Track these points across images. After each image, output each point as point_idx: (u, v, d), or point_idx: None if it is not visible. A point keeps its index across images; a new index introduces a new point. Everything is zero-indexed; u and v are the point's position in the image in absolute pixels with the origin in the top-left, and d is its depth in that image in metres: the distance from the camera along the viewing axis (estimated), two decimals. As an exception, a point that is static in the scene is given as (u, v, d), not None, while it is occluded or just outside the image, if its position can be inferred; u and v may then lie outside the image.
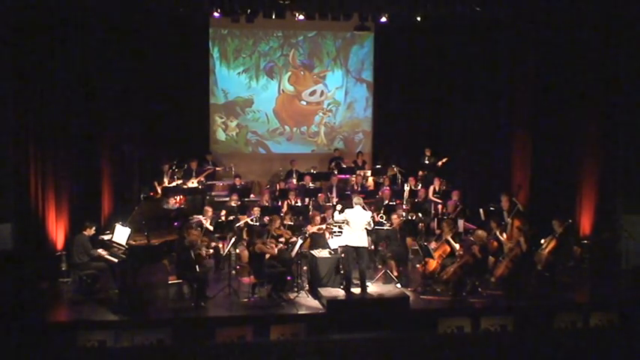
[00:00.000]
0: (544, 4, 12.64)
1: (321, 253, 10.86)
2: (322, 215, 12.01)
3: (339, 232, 11.09)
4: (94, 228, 10.75)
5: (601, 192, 12.69)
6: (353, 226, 10.29)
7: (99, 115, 13.05)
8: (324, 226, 11.43)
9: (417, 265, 11.58)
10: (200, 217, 12.07)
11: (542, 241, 11.22)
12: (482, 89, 15.04)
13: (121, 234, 10.40)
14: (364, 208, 10.76)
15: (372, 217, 11.12)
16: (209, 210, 12.21)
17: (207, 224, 11.84)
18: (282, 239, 11.02)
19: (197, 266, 10.15)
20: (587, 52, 12.78)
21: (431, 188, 14.00)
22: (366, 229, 10.38)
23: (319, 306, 10.05)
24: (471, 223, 12.45)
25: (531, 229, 11.15)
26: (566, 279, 11.37)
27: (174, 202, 13.33)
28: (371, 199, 13.10)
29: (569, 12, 12.58)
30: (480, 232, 11.00)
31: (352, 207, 10.54)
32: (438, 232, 11.96)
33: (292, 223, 11.97)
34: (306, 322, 8.87)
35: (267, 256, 10.32)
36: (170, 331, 8.00)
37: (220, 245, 11.56)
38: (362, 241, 10.31)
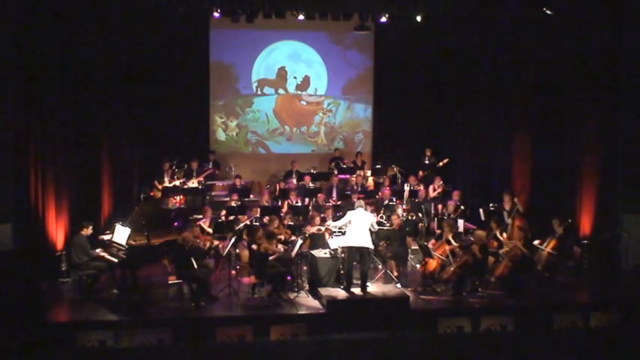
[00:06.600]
0: (544, 3, 12.63)
1: (321, 253, 10.86)
2: (322, 215, 12.01)
3: (339, 232, 11.09)
4: (90, 227, 10.75)
5: (601, 192, 12.69)
6: (356, 227, 10.30)
7: (99, 115, 13.04)
8: (323, 228, 11.42)
9: (417, 265, 11.59)
10: (199, 217, 12.09)
11: (543, 241, 11.23)
12: (483, 89, 15.04)
13: (121, 234, 10.42)
14: (366, 210, 10.75)
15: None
16: (208, 210, 12.21)
17: (206, 226, 11.83)
18: (280, 236, 11.01)
19: (195, 263, 10.11)
20: (587, 52, 12.77)
21: (431, 188, 14.01)
22: (370, 230, 10.39)
23: (319, 306, 10.06)
24: (471, 223, 12.46)
25: (532, 229, 11.15)
26: (566, 279, 11.38)
27: (175, 202, 13.33)
28: (371, 199, 13.10)
29: (569, 11, 12.56)
30: (480, 232, 11.00)
31: (354, 209, 10.56)
32: (438, 232, 11.97)
33: (292, 223, 11.97)
34: (306, 322, 8.85)
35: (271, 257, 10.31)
36: (170, 331, 7.99)
37: (220, 245, 11.56)
38: (365, 241, 10.31)
